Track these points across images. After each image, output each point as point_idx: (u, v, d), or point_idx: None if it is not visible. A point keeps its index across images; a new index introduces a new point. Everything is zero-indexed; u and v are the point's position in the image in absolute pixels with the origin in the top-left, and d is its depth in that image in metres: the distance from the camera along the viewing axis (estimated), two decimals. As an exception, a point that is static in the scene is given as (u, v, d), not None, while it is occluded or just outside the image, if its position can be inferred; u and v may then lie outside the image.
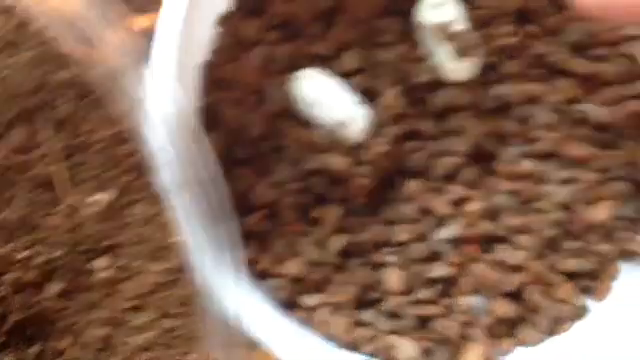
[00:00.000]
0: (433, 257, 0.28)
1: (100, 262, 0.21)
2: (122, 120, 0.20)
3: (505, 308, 0.27)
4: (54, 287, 0.21)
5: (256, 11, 0.28)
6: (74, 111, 0.20)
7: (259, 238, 0.27)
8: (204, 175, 0.21)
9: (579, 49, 0.28)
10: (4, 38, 0.20)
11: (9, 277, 0.21)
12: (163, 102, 0.21)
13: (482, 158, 0.29)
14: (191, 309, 0.21)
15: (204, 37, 0.28)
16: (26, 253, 0.21)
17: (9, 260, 0.21)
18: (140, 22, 0.28)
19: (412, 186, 0.28)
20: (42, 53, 0.20)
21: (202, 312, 0.21)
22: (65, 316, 0.21)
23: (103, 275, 0.21)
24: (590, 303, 0.28)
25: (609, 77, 0.28)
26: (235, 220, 0.26)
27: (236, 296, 0.23)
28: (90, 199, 0.21)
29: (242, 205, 0.28)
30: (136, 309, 0.21)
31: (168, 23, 0.24)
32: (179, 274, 0.21)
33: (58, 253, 0.21)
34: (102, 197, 0.21)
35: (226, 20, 0.28)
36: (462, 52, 0.27)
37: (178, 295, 0.21)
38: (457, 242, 0.28)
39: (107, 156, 0.20)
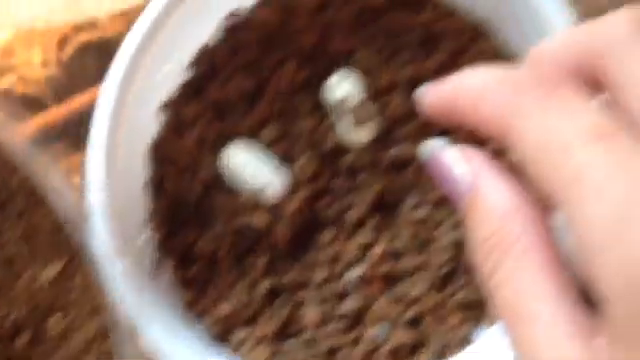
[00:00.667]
0: (344, 294, 0.33)
1: (55, 319, 0.28)
2: (63, 210, 0.27)
3: (404, 335, 0.32)
4: (24, 337, 0.28)
5: (195, 95, 0.35)
6: (27, 205, 0.27)
7: (200, 283, 0.34)
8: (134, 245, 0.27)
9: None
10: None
11: (-8, 330, 0.28)
12: (98, 189, 0.27)
13: (387, 207, 0.34)
14: (124, 350, 0.27)
15: (150, 120, 0.34)
16: (4, 311, 0.28)
17: (-9, 316, 0.28)
18: (80, 100, 0.35)
19: (327, 235, 0.34)
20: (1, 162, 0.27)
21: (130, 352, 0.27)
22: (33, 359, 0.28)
23: (58, 329, 0.28)
24: (481, 330, 0.33)
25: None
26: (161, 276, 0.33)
27: (167, 335, 0.29)
28: (43, 271, 0.27)
29: (188, 256, 0.34)
30: (85, 352, 0.28)
31: (103, 111, 0.30)
32: (114, 325, 0.28)
33: (25, 312, 0.28)
34: (51, 270, 0.27)
35: (169, 105, 0.34)
36: (358, 122, 0.32)
37: (114, 341, 0.28)
38: (364, 280, 0.33)
39: (53, 238, 0.27)
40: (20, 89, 0.36)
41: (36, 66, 0.36)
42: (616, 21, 0.16)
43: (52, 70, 0.36)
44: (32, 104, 0.36)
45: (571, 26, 0.29)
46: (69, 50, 0.36)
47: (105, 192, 0.28)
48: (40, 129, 0.35)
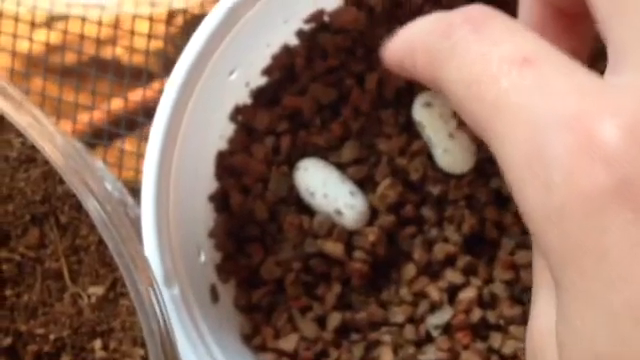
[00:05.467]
0: (425, 340, 0.29)
1: (97, 343, 0.25)
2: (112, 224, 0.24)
3: (493, 397, 0.28)
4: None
5: (269, 104, 0.31)
6: (73, 218, 0.24)
7: (264, 311, 0.30)
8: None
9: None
10: (24, 154, 0.25)
11: (31, 348, 0.25)
12: (150, 201, 0.24)
13: (481, 247, 0.30)
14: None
15: (221, 127, 0.31)
16: (43, 330, 0.25)
17: (31, 334, 0.25)
18: (135, 96, 0.33)
19: (409, 270, 0.30)
20: (48, 169, 0.24)
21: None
22: (75, 385, 0.25)
23: (100, 355, 0.25)
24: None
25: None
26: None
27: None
28: (87, 291, 0.24)
29: (253, 279, 0.31)
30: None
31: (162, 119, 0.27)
32: (161, 356, 0.24)
33: (66, 333, 0.25)
34: (96, 290, 0.24)
35: (241, 112, 0.31)
36: (448, 148, 0.28)
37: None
38: (450, 327, 0.29)
39: (99, 256, 0.24)
40: (127, 59, 0.34)
41: (144, 38, 0.34)
42: None
43: (159, 43, 0.34)
44: (139, 74, 0.34)
45: None
46: (179, 22, 0.34)
47: (159, 205, 0.25)
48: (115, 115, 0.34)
